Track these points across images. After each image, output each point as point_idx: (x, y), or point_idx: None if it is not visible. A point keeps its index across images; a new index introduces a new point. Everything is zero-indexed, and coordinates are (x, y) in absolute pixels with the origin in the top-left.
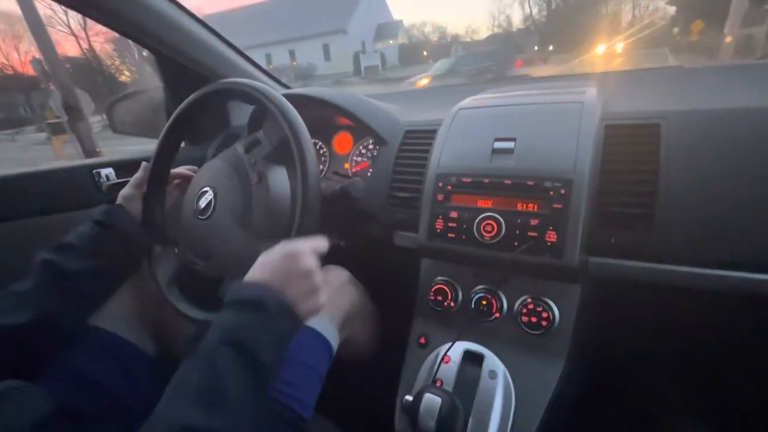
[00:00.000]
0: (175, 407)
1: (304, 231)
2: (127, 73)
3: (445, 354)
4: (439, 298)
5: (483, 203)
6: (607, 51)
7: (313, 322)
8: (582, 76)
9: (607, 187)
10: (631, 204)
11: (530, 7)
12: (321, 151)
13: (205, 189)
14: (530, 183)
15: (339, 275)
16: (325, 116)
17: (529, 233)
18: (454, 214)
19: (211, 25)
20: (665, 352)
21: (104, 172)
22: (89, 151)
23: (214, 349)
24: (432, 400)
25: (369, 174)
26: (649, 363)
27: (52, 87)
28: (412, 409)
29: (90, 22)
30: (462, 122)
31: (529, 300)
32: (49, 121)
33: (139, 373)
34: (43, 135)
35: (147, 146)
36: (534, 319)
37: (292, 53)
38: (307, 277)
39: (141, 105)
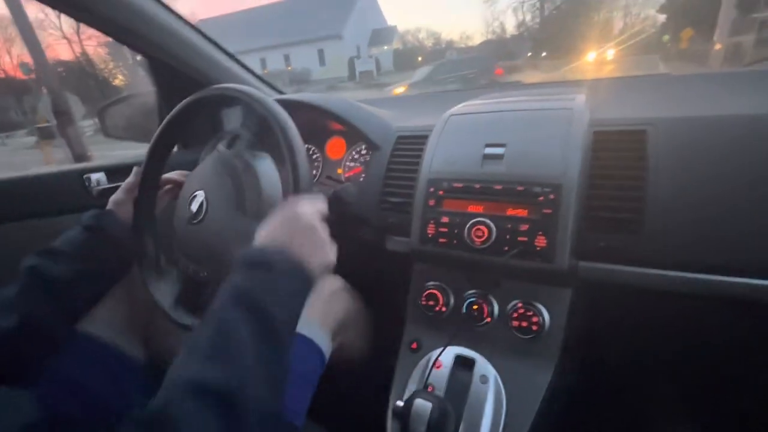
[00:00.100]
0: (185, 366)
1: None
2: (120, 77)
3: (437, 359)
4: (431, 302)
5: (474, 208)
6: (599, 58)
7: (306, 330)
8: (572, 83)
9: (596, 192)
10: (619, 209)
11: (523, 14)
12: (314, 156)
13: (196, 193)
14: (520, 188)
15: (332, 282)
16: (318, 122)
17: (520, 238)
18: (445, 219)
19: (205, 30)
20: (656, 356)
21: (95, 176)
22: (79, 156)
23: (224, 310)
24: (422, 406)
25: (362, 179)
26: (640, 367)
27: (45, 90)
28: (403, 415)
29: (84, 25)
30: (453, 128)
31: (520, 304)
32: (38, 125)
33: (129, 380)
34: (34, 139)
35: (139, 151)
36: (525, 324)
37: (287, 58)
38: (312, 232)
39: (134, 109)
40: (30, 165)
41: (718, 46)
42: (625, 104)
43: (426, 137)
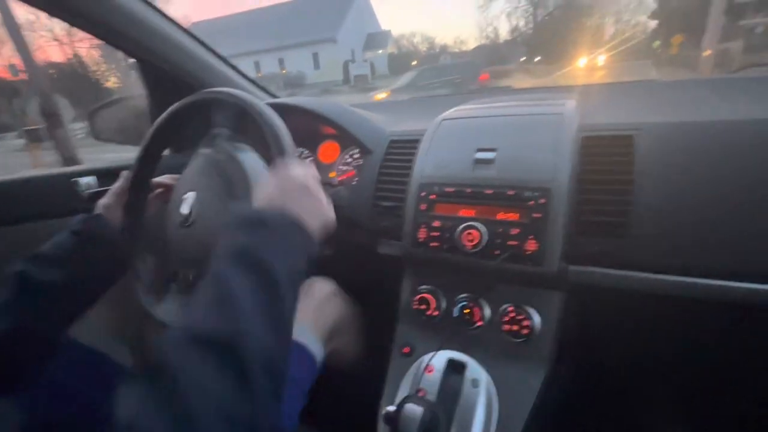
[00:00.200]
0: (184, 321)
1: None
2: (113, 79)
3: (428, 363)
4: (423, 306)
5: (465, 212)
6: (591, 63)
7: (298, 335)
8: (563, 88)
9: (585, 197)
10: (607, 213)
11: (517, 20)
12: (306, 160)
13: (186, 195)
14: (511, 192)
15: (324, 287)
16: (310, 126)
17: (510, 242)
18: (437, 223)
19: (199, 33)
20: (649, 359)
21: (85, 180)
22: (68, 159)
23: (223, 267)
24: (412, 411)
25: (354, 183)
26: (632, 369)
27: (34, 93)
28: (394, 420)
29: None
30: (445, 132)
31: (511, 308)
32: (27, 127)
33: (114, 386)
34: (23, 141)
35: (131, 154)
36: (516, 327)
37: (281, 61)
38: (306, 190)
39: (125, 112)
40: (17, 168)
41: (707, 52)
42: (615, 110)
43: (418, 141)
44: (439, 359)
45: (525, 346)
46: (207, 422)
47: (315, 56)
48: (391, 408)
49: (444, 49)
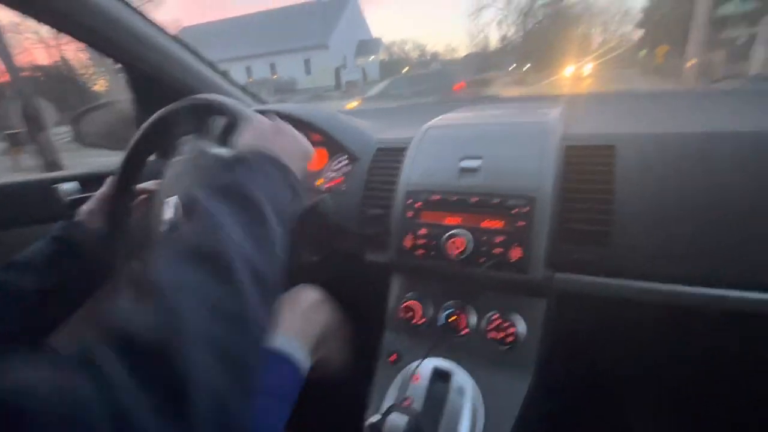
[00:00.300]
0: (172, 245)
1: None
2: (101, 83)
3: (414, 372)
4: (409, 314)
5: (451, 220)
6: (578, 72)
7: (283, 345)
8: (549, 98)
9: (568, 205)
10: (590, 221)
11: (507, 28)
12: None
13: (169, 199)
14: (496, 201)
15: (311, 295)
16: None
17: (495, 250)
18: (423, 231)
19: (190, 37)
20: (633, 365)
21: (66, 186)
22: (51, 164)
23: (206, 201)
24: (395, 422)
25: (342, 189)
26: (618, 376)
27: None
28: (378, 431)
29: None
30: (431, 141)
31: (497, 316)
32: (8, 131)
33: None
34: (4, 145)
35: (116, 159)
36: (501, 335)
37: (272, 67)
38: (277, 130)
39: (111, 117)
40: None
41: (691, 62)
42: (598, 119)
43: (405, 149)
44: (425, 367)
45: (510, 353)
46: (193, 315)
47: (306, 62)
48: (375, 418)
49: (435, 56)
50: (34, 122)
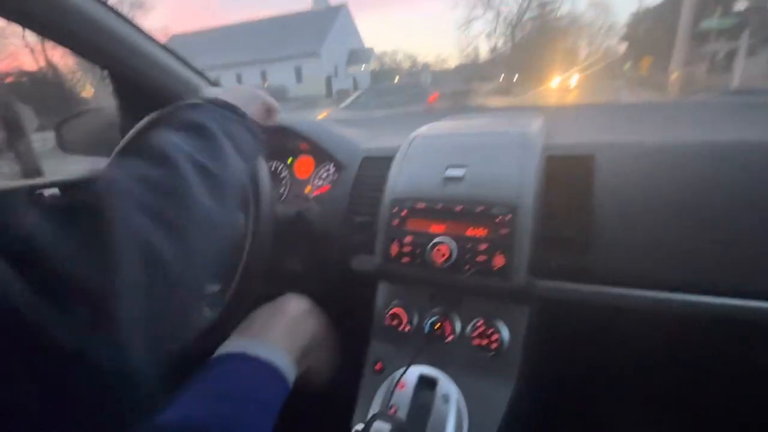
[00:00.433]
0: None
1: (256, 252)
2: (88, 89)
3: (399, 379)
4: (395, 322)
5: (436, 228)
6: (565, 83)
7: (270, 356)
8: (532, 108)
9: (550, 214)
10: (570, 229)
11: (496, 40)
12: (281, 175)
13: None
14: (479, 209)
15: (299, 304)
16: (285, 141)
17: (479, 257)
18: (408, 239)
19: (180, 45)
20: (617, 370)
21: (47, 193)
22: (31, 171)
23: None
24: (380, 429)
25: (328, 197)
26: (602, 382)
27: None
28: None
29: None
30: (417, 150)
31: (481, 322)
32: None
33: None
34: None
35: (100, 166)
36: (485, 341)
37: (263, 74)
38: (232, 89)
39: (95, 124)
40: None
41: (674, 75)
42: (579, 130)
43: (391, 158)
44: (410, 375)
45: (494, 359)
46: (126, 185)
47: (298, 70)
48: (359, 427)
49: (426, 66)
50: (13, 128)
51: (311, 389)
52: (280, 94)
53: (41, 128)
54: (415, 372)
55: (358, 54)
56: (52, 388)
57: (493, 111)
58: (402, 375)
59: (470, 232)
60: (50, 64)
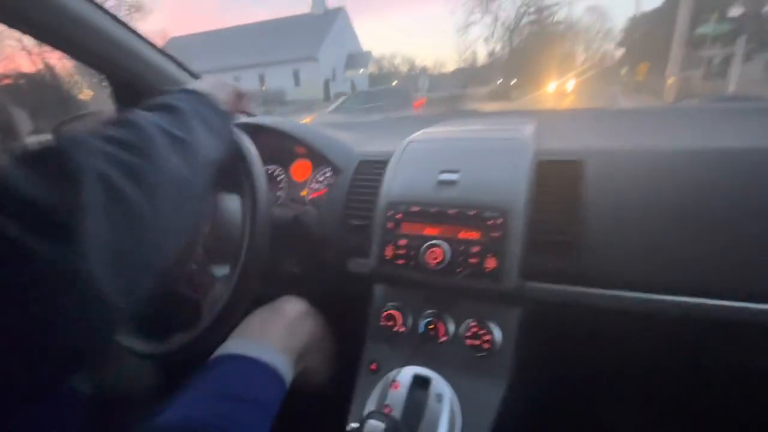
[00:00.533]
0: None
1: (253, 253)
2: (86, 91)
3: (394, 379)
4: (390, 323)
5: (429, 231)
6: (561, 88)
7: (267, 357)
8: (525, 113)
9: (540, 217)
10: (560, 232)
11: (493, 45)
12: (278, 178)
13: None
14: (472, 213)
15: (297, 306)
16: (282, 145)
17: (471, 260)
18: (403, 242)
19: (178, 47)
20: (606, 371)
21: None
22: None
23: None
24: (374, 426)
25: (325, 201)
26: (593, 382)
27: None
28: None
29: None
30: (411, 154)
31: (473, 323)
32: None
33: (71, 416)
34: None
35: None
36: (477, 342)
37: (261, 78)
38: (210, 79)
39: (93, 127)
40: None
41: (671, 80)
42: (570, 135)
43: (386, 162)
44: (404, 375)
45: (487, 359)
46: (90, 139)
47: (296, 73)
48: (354, 425)
49: (424, 70)
50: (6, 131)
51: (308, 390)
52: (277, 97)
53: (39, 131)
54: (409, 372)
55: (356, 57)
56: (29, 295)
57: (487, 115)
58: (396, 375)
59: (463, 235)
60: (48, 67)
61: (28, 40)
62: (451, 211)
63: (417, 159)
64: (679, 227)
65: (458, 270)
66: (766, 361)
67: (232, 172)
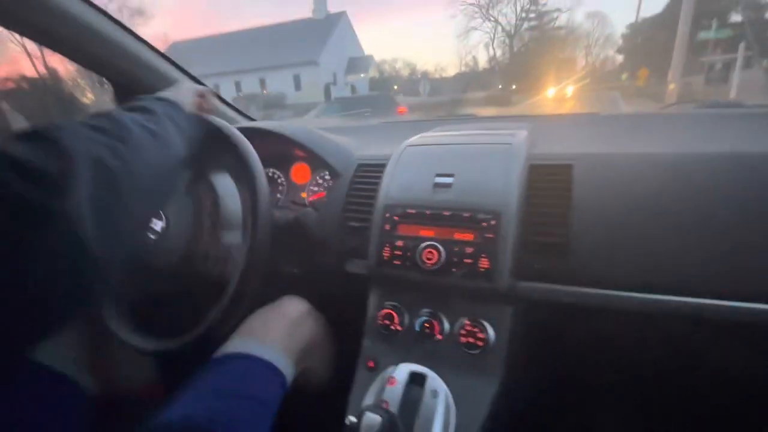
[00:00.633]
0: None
1: (255, 254)
2: (89, 95)
3: (391, 376)
4: (387, 322)
5: (425, 233)
6: (561, 93)
7: (268, 355)
8: (520, 118)
9: (532, 219)
10: (550, 233)
11: (494, 50)
12: (278, 181)
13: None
14: (466, 215)
15: (298, 306)
16: (283, 148)
17: (466, 260)
18: (400, 243)
19: (181, 51)
20: (597, 369)
21: None
22: None
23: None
24: (371, 419)
25: (324, 203)
26: (584, 380)
27: None
28: (354, 430)
29: None
30: (408, 158)
31: (467, 322)
32: None
33: (76, 411)
34: None
35: None
36: (471, 340)
37: (262, 82)
38: (176, 87)
39: None
40: None
41: (672, 86)
42: (561, 139)
43: (384, 165)
44: (401, 372)
45: (480, 357)
46: (77, 127)
47: (296, 78)
48: (353, 418)
49: (425, 75)
50: (2, 133)
51: (308, 389)
52: (278, 101)
53: None
54: (405, 369)
55: (357, 62)
56: (26, 240)
57: (483, 120)
58: (393, 372)
59: (458, 236)
60: (51, 70)
61: (31, 44)
62: (446, 214)
63: (413, 163)
64: (665, 228)
65: (453, 270)
66: (754, 360)
67: (235, 173)
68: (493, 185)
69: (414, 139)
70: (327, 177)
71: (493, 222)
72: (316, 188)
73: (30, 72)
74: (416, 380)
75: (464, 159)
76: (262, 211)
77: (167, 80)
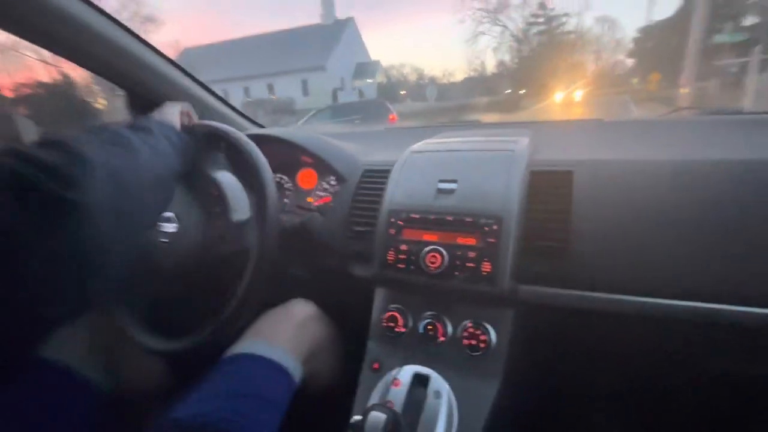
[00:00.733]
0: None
1: (263, 257)
2: (102, 101)
3: (395, 377)
4: (391, 324)
5: (429, 237)
6: (568, 98)
7: (276, 356)
8: (521, 124)
9: (532, 224)
10: (550, 238)
11: (503, 54)
12: (285, 186)
13: (166, 214)
14: (469, 220)
15: (306, 308)
16: (290, 154)
17: (468, 264)
18: (404, 247)
19: (191, 58)
20: (596, 371)
21: None
22: None
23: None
24: (376, 417)
25: (330, 208)
26: (584, 381)
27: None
28: (359, 428)
29: None
30: (413, 164)
31: (470, 324)
32: None
33: (89, 408)
34: None
35: None
36: (474, 342)
37: (270, 87)
38: (163, 108)
39: None
40: None
41: (685, 90)
42: (564, 146)
43: (389, 171)
44: (405, 373)
45: (482, 359)
46: (90, 138)
47: (304, 83)
48: (358, 417)
49: (433, 80)
50: (13, 140)
51: (315, 389)
52: (287, 106)
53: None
54: (409, 370)
55: (365, 67)
56: (41, 222)
57: (486, 126)
58: (397, 373)
59: (460, 240)
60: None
61: (45, 51)
62: (449, 218)
63: (418, 169)
64: (664, 233)
65: (456, 274)
66: (749, 363)
67: (243, 177)
68: (495, 191)
69: (418, 145)
70: (333, 182)
71: (495, 227)
72: (322, 193)
73: (46, 79)
74: (420, 381)
75: (467, 165)
76: (271, 216)
77: (177, 87)
